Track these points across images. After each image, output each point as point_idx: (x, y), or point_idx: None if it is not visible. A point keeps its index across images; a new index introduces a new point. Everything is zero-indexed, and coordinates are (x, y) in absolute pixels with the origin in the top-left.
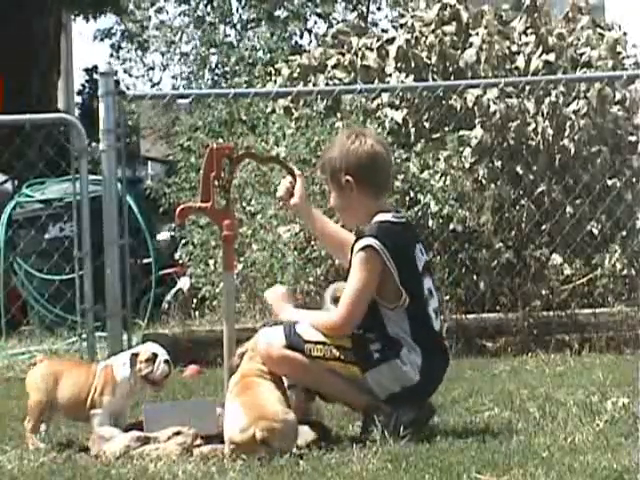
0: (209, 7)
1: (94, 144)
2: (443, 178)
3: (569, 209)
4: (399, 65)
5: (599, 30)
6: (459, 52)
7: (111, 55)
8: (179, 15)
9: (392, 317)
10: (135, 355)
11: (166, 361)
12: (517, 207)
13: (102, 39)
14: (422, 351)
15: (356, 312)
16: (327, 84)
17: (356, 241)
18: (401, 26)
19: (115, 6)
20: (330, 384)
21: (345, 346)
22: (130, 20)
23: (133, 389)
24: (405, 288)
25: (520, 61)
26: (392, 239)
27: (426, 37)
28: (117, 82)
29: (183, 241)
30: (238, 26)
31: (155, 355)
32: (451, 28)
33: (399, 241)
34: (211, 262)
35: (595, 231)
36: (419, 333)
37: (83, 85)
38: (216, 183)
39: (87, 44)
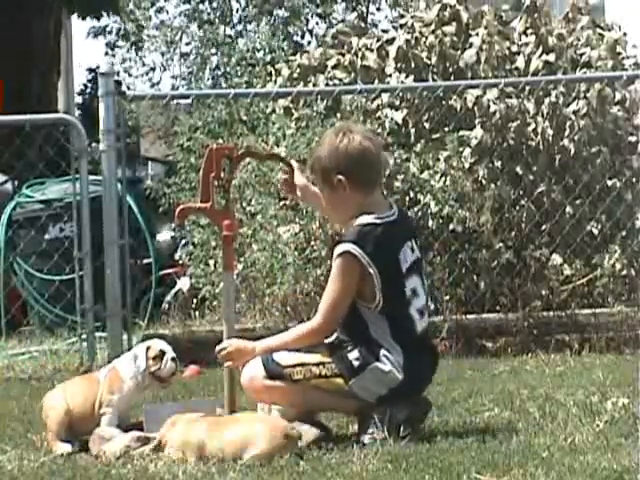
0: (209, 7)
1: (94, 144)
2: (443, 178)
3: (569, 209)
4: (399, 65)
5: (599, 30)
6: (459, 52)
7: (106, 53)
8: (179, 15)
9: (372, 318)
10: (148, 348)
11: (173, 359)
12: (517, 207)
13: (96, 35)
14: (403, 350)
15: (334, 316)
16: (327, 84)
17: (336, 245)
18: (401, 26)
19: (113, 7)
20: (317, 400)
21: (324, 361)
22: (130, 20)
23: (140, 385)
24: (382, 291)
25: (520, 61)
26: (373, 243)
27: (426, 37)
28: (119, 83)
29: (183, 241)
30: (238, 26)
31: (163, 352)
32: (451, 28)
33: (380, 244)
34: (211, 262)
35: (595, 231)
36: (399, 333)
37: (85, 85)
38: (216, 183)
39: (81, 41)
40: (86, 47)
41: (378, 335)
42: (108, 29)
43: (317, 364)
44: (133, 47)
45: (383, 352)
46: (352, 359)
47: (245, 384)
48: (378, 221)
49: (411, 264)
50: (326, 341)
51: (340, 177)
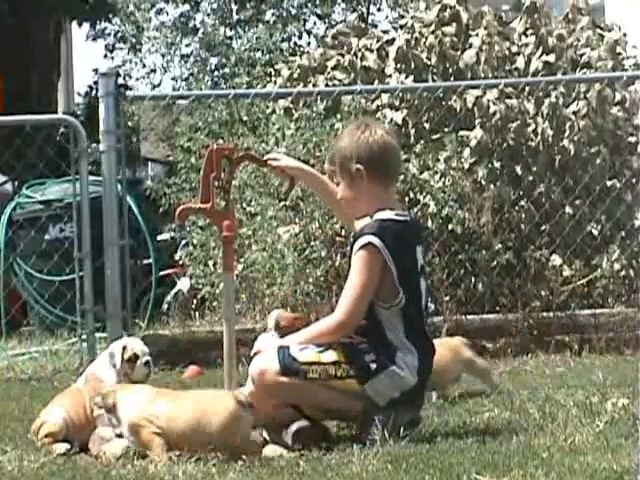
0: (209, 8)
1: (94, 145)
2: (443, 179)
3: (569, 210)
4: (399, 66)
5: (599, 31)
6: (459, 53)
7: (105, 56)
8: (179, 17)
9: (388, 318)
10: (124, 348)
11: (147, 363)
12: (517, 208)
13: (95, 39)
14: (417, 352)
15: (357, 311)
16: (327, 85)
17: (356, 239)
18: (401, 27)
19: (111, 11)
20: (327, 400)
21: (340, 361)
22: (130, 22)
23: (118, 382)
24: (403, 287)
25: (520, 62)
26: (393, 237)
27: (426, 38)
28: (126, 87)
29: (183, 242)
30: (237, 27)
31: (136, 357)
32: (451, 29)
33: (400, 239)
34: (211, 263)
35: (595, 232)
36: (413, 333)
37: (91, 87)
38: (216, 184)
39: (83, 43)
40: (89, 49)
41: (394, 337)
42: (107, 32)
43: (333, 363)
44: (131, 50)
45: (399, 355)
46: (368, 361)
47: (254, 378)
48: (398, 218)
49: (420, 268)
50: (342, 341)
51: (359, 166)
